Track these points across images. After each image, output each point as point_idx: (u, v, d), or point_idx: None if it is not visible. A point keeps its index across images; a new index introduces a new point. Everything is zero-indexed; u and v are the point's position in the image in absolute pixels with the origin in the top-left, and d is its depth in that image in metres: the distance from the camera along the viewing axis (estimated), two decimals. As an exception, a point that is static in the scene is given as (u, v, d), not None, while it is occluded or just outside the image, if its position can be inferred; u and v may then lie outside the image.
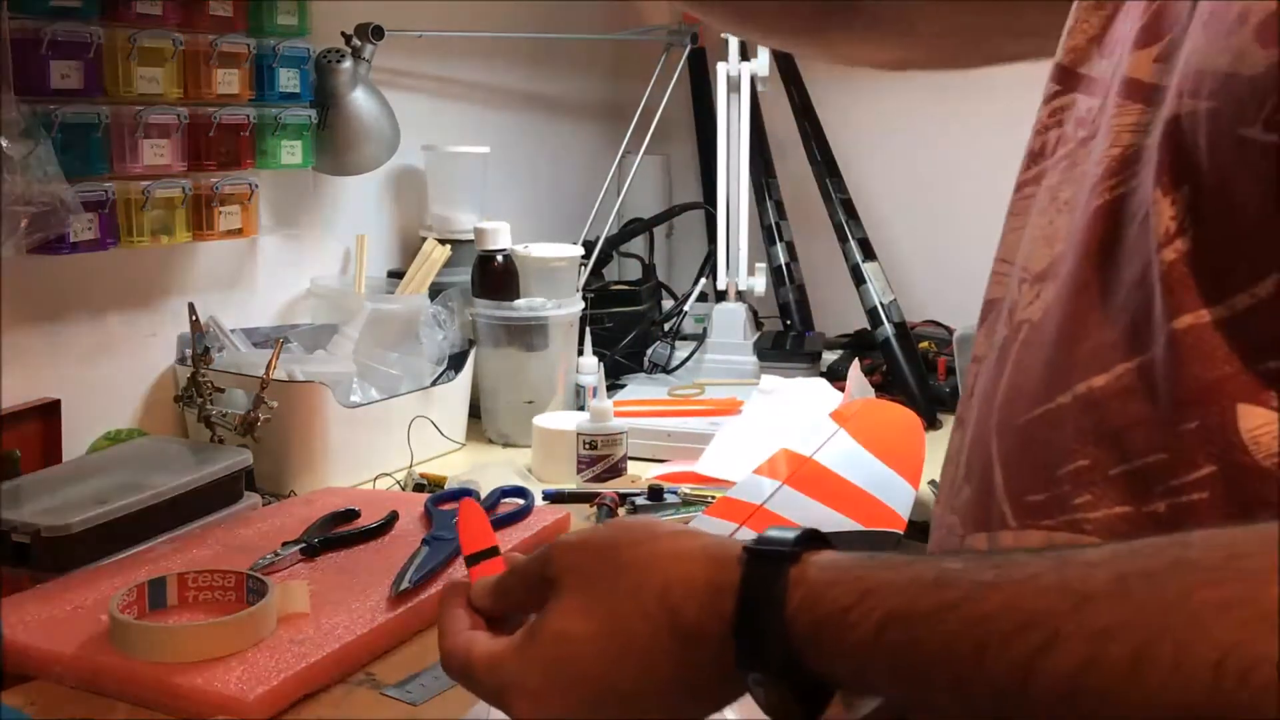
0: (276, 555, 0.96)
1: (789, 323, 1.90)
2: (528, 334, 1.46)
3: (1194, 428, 0.47)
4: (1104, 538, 0.47)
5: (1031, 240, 0.61)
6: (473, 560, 0.62)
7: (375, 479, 1.27)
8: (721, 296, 1.74)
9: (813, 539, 0.50)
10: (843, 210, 1.83)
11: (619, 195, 1.80)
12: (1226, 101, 0.46)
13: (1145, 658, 0.37)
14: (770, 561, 0.49)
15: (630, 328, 1.67)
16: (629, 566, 0.52)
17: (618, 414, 1.32)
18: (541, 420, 1.36)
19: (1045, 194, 0.62)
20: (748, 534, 1.00)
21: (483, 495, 1.10)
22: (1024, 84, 1.93)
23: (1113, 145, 0.55)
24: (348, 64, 1.41)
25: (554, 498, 1.19)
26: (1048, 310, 0.56)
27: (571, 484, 1.27)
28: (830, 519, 1.03)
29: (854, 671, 0.46)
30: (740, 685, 0.49)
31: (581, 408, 1.43)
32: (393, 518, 1.06)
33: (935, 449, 0.89)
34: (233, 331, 1.35)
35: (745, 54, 1.70)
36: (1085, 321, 0.53)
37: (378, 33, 1.44)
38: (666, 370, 1.67)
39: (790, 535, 0.50)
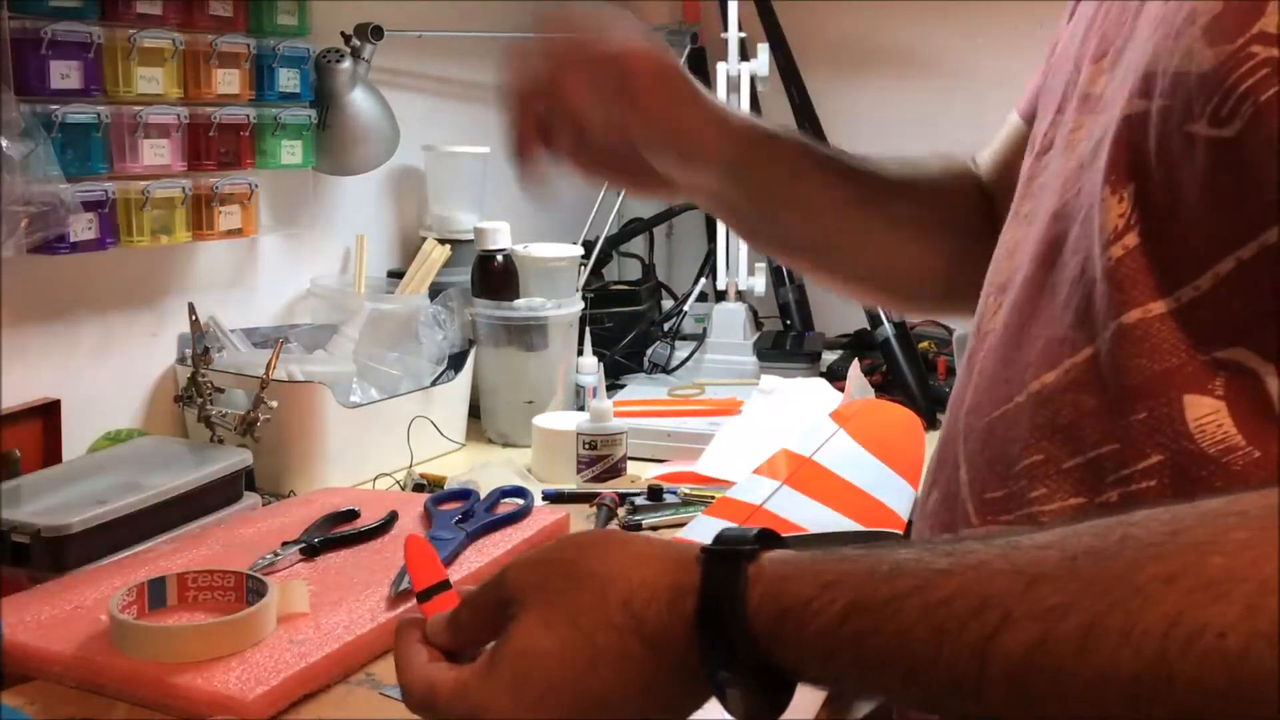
0: (276, 555, 0.96)
1: (789, 323, 1.90)
2: (528, 334, 1.46)
3: (1143, 418, 0.48)
4: None
5: (996, 257, 0.64)
6: (424, 596, 0.60)
7: (375, 479, 1.27)
8: (721, 296, 1.74)
9: (770, 538, 0.50)
10: (843, 210, 1.83)
11: (619, 195, 1.80)
12: (1175, 99, 0.47)
13: (1095, 632, 0.38)
14: (729, 560, 0.49)
15: (630, 328, 1.67)
16: (589, 577, 0.52)
17: (618, 414, 1.32)
18: (541, 420, 1.36)
19: (1012, 210, 0.65)
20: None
21: (482, 495, 1.10)
22: (1025, 83, 1.93)
23: (1068, 159, 0.56)
24: (347, 64, 1.41)
25: (554, 498, 1.19)
26: (1006, 317, 0.58)
27: (571, 484, 1.27)
28: (830, 519, 1.03)
29: (818, 662, 0.46)
30: (707, 688, 0.49)
31: (581, 408, 1.43)
32: (393, 518, 1.06)
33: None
34: (233, 331, 1.35)
35: (745, 54, 1.70)
36: (1035, 322, 0.55)
37: (377, 33, 1.44)
38: (666, 370, 1.67)
39: (748, 534, 0.50)
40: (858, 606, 0.45)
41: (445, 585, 0.60)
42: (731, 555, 0.49)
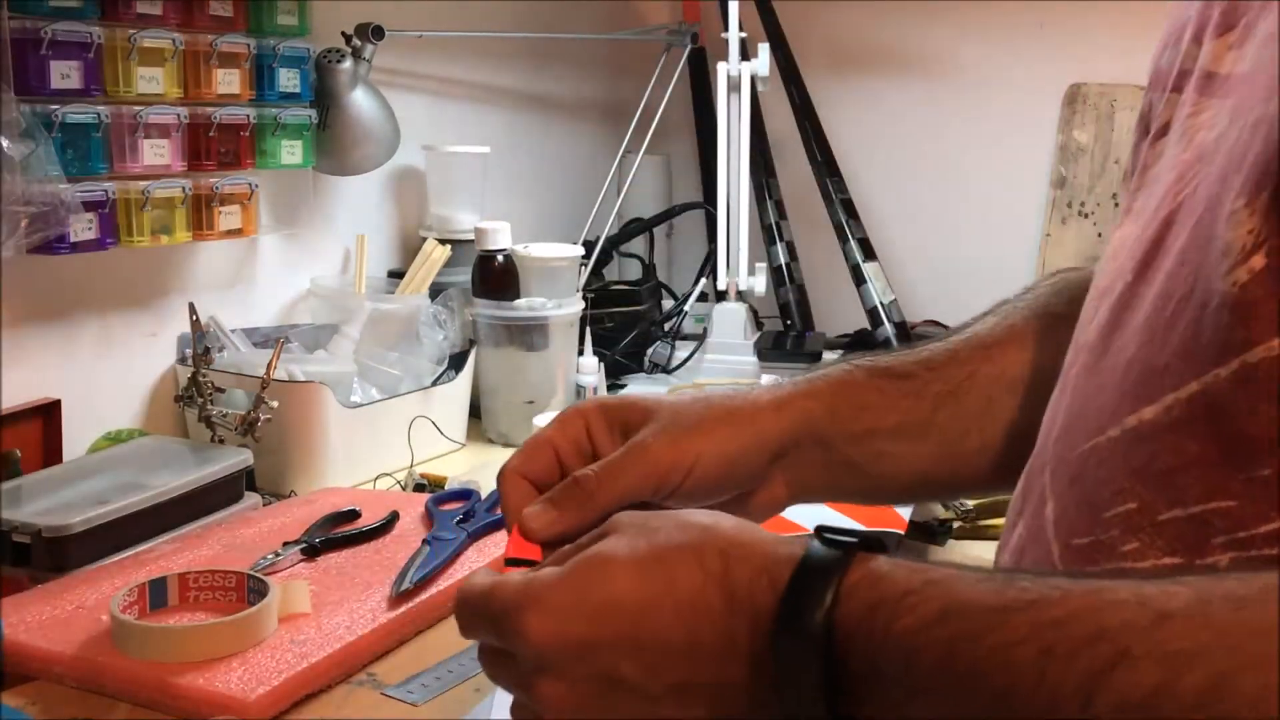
0: (277, 555, 0.96)
1: (789, 323, 1.90)
2: (528, 334, 1.46)
3: (1267, 475, 0.41)
4: None
5: (1104, 256, 0.55)
6: (512, 565, 0.58)
7: (375, 479, 1.27)
8: (722, 296, 1.74)
9: (884, 546, 0.47)
10: (843, 210, 1.83)
11: (619, 195, 1.80)
12: None
13: (1224, 689, 0.34)
14: (838, 545, 0.46)
15: (630, 328, 1.67)
16: (693, 524, 0.49)
17: (618, 414, 1.31)
18: (542, 420, 1.36)
19: (1124, 204, 0.55)
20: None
21: (483, 495, 1.10)
22: (1024, 84, 1.93)
23: (1184, 148, 0.49)
24: (348, 64, 1.41)
25: (554, 498, 1.19)
26: (1102, 331, 0.50)
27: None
28: (830, 518, 1.03)
29: (898, 667, 0.42)
30: (764, 681, 0.45)
31: (582, 408, 1.43)
32: (393, 518, 1.05)
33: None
34: (233, 331, 1.35)
35: (745, 54, 1.70)
36: (1134, 341, 0.47)
37: (378, 33, 1.44)
38: (667, 370, 1.67)
39: (838, 554, 0.46)
40: (959, 609, 0.41)
41: (536, 565, 0.58)
42: (843, 543, 0.46)
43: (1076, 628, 0.37)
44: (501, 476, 0.63)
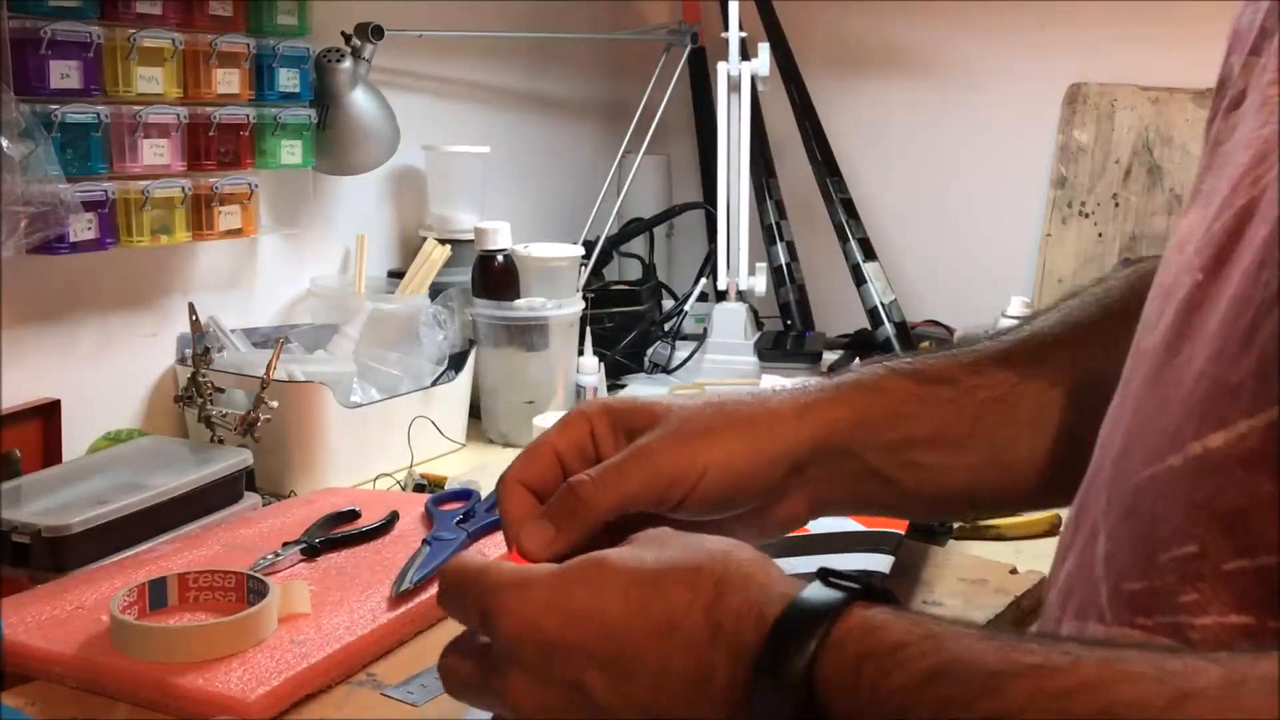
0: (277, 555, 0.96)
1: (789, 323, 1.90)
2: (528, 334, 1.46)
3: None
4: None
5: (1169, 248, 0.47)
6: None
7: (375, 479, 1.27)
8: (722, 296, 1.74)
9: (885, 595, 0.44)
10: (843, 210, 1.83)
11: (619, 195, 1.80)
12: None
13: None
14: (836, 589, 0.44)
15: (630, 328, 1.67)
16: (698, 544, 0.48)
17: (618, 414, 1.31)
18: (541, 420, 1.36)
19: (1193, 186, 0.47)
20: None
21: (483, 495, 1.10)
22: (1025, 83, 1.93)
23: (1263, 120, 0.41)
24: (348, 64, 1.41)
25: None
26: (1167, 336, 0.43)
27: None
28: (832, 518, 1.03)
29: None
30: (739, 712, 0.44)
31: (582, 408, 1.43)
32: (393, 518, 1.05)
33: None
34: (233, 331, 1.35)
35: (745, 54, 1.70)
36: (1203, 351, 0.40)
37: (378, 33, 1.44)
38: (667, 370, 1.67)
39: (834, 598, 0.44)
40: (954, 669, 0.37)
41: None
42: (842, 587, 0.44)
43: (1084, 701, 0.34)
44: (502, 486, 0.61)
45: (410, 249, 1.62)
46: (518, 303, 1.45)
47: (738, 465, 0.58)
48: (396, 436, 1.32)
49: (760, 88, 1.70)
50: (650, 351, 1.69)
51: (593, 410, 0.62)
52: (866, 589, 0.44)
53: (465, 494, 1.11)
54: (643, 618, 0.45)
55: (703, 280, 1.76)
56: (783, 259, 1.91)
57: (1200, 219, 0.44)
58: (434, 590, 0.90)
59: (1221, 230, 0.41)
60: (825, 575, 0.45)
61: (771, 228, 1.91)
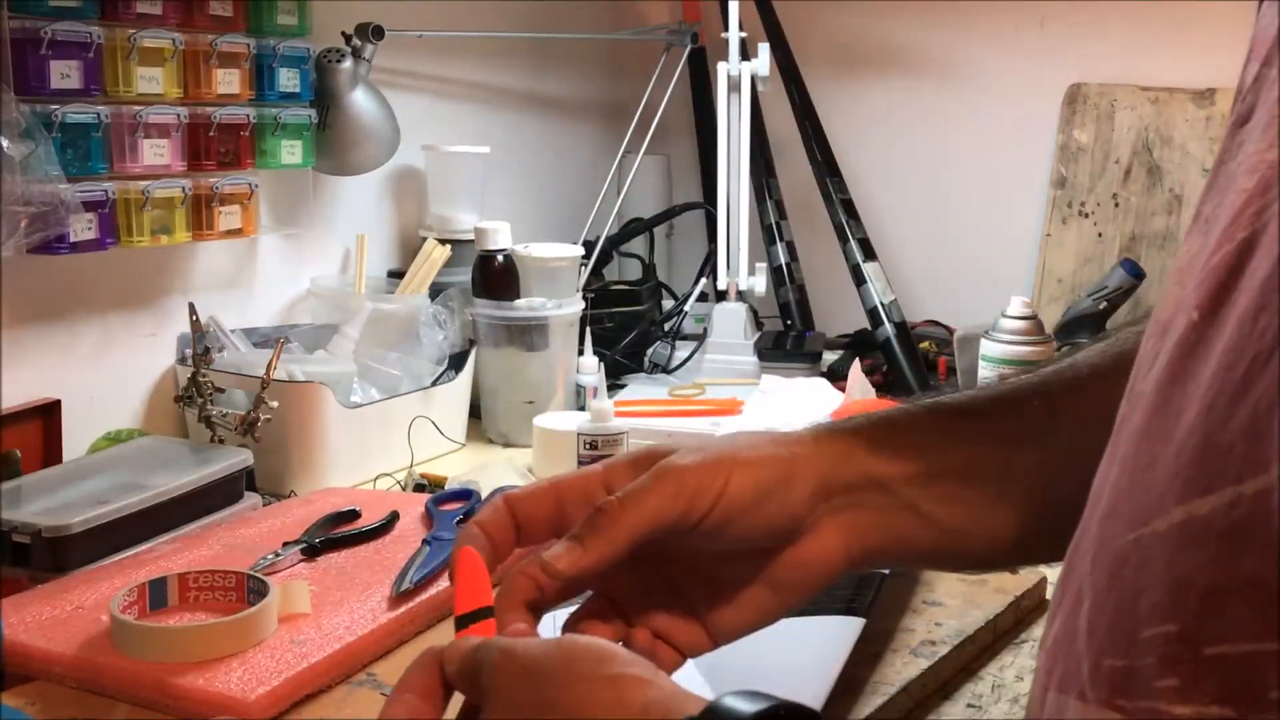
0: (277, 555, 0.96)
1: (789, 323, 1.90)
2: (528, 334, 1.46)
3: None
4: None
5: (1168, 279, 0.42)
6: (464, 622, 0.55)
7: (375, 479, 1.27)
8: (722, 296, 1.74)
9: (777, 714, 0.44)
10: (843, 210, 1.83)
11: (619, 195, 1.80)
12: None
13: None
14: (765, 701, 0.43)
15: (630, 328, 1.67)
16: (559, 706, 0.47)
17: (618, 414, 1.31)
18: (542, 420, 1.36)
19: (1196, 209, 0.42)
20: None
21: (483, 495, 1.10)
22: (1025, 83, 1.93)
23: (1272, 144, 0.37)
24: (348, 64, 1.41)
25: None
26: (1160, 379, 0.39)
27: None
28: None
29: None
30: None
31: (582, 408, 1.43)
32: (393, 518, 1.05)
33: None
34: (233, 331, 1.35)
35: (745, 54, 1.70)
36: (1192, 406, 0.36)
37: (378, 33, 1.44)
38: (667, 370, 1.67)
39: (748, 710, 0.43)
40: None
41: (488, 612, 0.55)
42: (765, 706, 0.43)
43: None
44: (490, 502, 0.60)
45: (410, 249, 1.62)
46: (518, 303, 1.45)
47: (760, 480, 0.57)
48: (396, 436, 1.32)
49: (760, 88, 1.70)
50: (650, 351, 1.69)
51: (618, 459, 0.61)
52: (776, 710, 0.43)
53: (465, 494, 1.11)
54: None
55: (703, 280, 1.76)
56: (783, 259, 1.91)
57: (1199, 249, 0.39)
58: (434, 590, 0.91)
59: (1220, 265, 0.37)
60: (712, 710, 0.44)
61: (771, 228, 1.91)
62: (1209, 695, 0.33)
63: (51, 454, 1.14)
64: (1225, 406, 0.34)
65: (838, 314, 1.93)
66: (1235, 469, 0.32)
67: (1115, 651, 0.36)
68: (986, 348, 1.42)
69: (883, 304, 1.76)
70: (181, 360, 1.30)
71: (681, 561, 0.59)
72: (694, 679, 0.70)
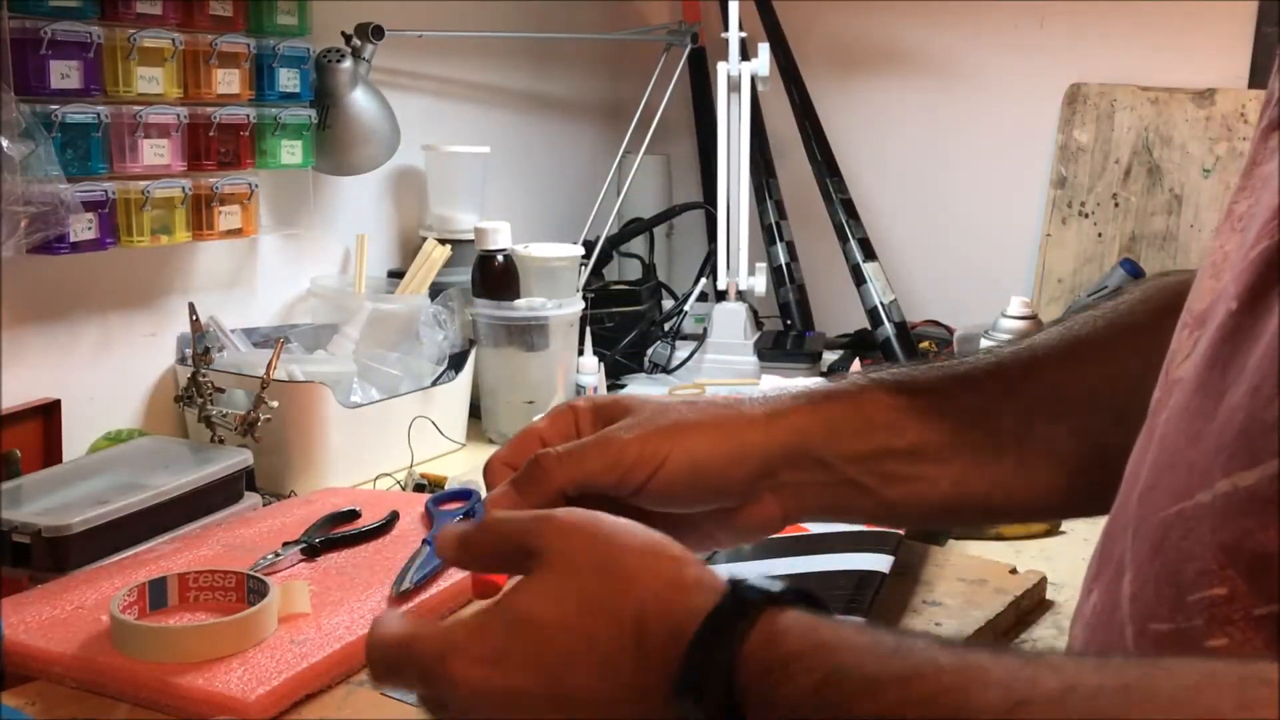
0: (277, 555, 0.96)
1: (789, 323, 1.90)
2: (528, 334, 1.46)
3: None
4: None
5: (1200, 273, 0.46)
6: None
7: (375, 479, 1.27)
8: (721, 296, 1.74)
9: (803, 598, 0.46)
10: (843, 210, 1.83)
11: (619, 195, 1.80)
12: None
13: None
14: (745, 600, 0.45)
15: (630, 328, 1.67)
16: (619, 571, 0.49)
17: (618, 414, 1.32)
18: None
19: (1227, 208, 0.46)
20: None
21: (483, 495, 1.10)
22: (1025, 83, 1.93)
23: None
24: (348, 64, 1.41)
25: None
26: (1199, 366, 0.41)
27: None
28: (831, 519, 1.03)
29: None
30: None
31: (582, 408, 1.43)
32: (393, 518, 1.05)
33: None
34: (233, 331, 1.35)
35: (745, 54, 1.70)
36: (1237, 388, 0.38)
37: (378, 33, 1.44)
38: (667, 370, 1.67)
39: (776, 587, 0.46)
40: (837, 677, 0.40)
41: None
42: (751, 598, 0.46)
43: (939, 706, 0.37)
44: (488, 468, 0.64)
45: (410, 249, 1.62)
46: (518, 303, 1.45)
47: (698, 460, 0.61)
48: (396, 436, 1.32)
49: (760, 88, 1.70)
50: (650, 351, 1.69)
51: (580, 403, 0.65)
52: (776, 594, 0.45)
53: (465, 494, 1.11)
54: (582, 658, 0.48)
55: (703, 280, 1.76)
56: (783, 259, 1.91)
57: (1237, 244, 0.42)
58: (434, 590, 0.91)
59: (1260, 259, 0.39)
60: (735, 585, 0.47)
61: (771, 228, 1.91)
62: (1260, 653, 0.35)
63: (51, 454, 1.14)
64: (1272, 388, 0.36)
65: (838, 314, 1.93)
66: (1278, 444, 0.35)
67: (1162, 616, 0.39)
68: (986, 348, 1.42)
69: (883, 304, 1.76)
70: (181, 360, 1.30)
71: (618, 504, 0.62)
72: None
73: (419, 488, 1.25)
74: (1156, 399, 0.45)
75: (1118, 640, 0.42)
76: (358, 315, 1.42)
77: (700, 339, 1.69)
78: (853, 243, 1.80)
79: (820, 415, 0.63)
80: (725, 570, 0.88)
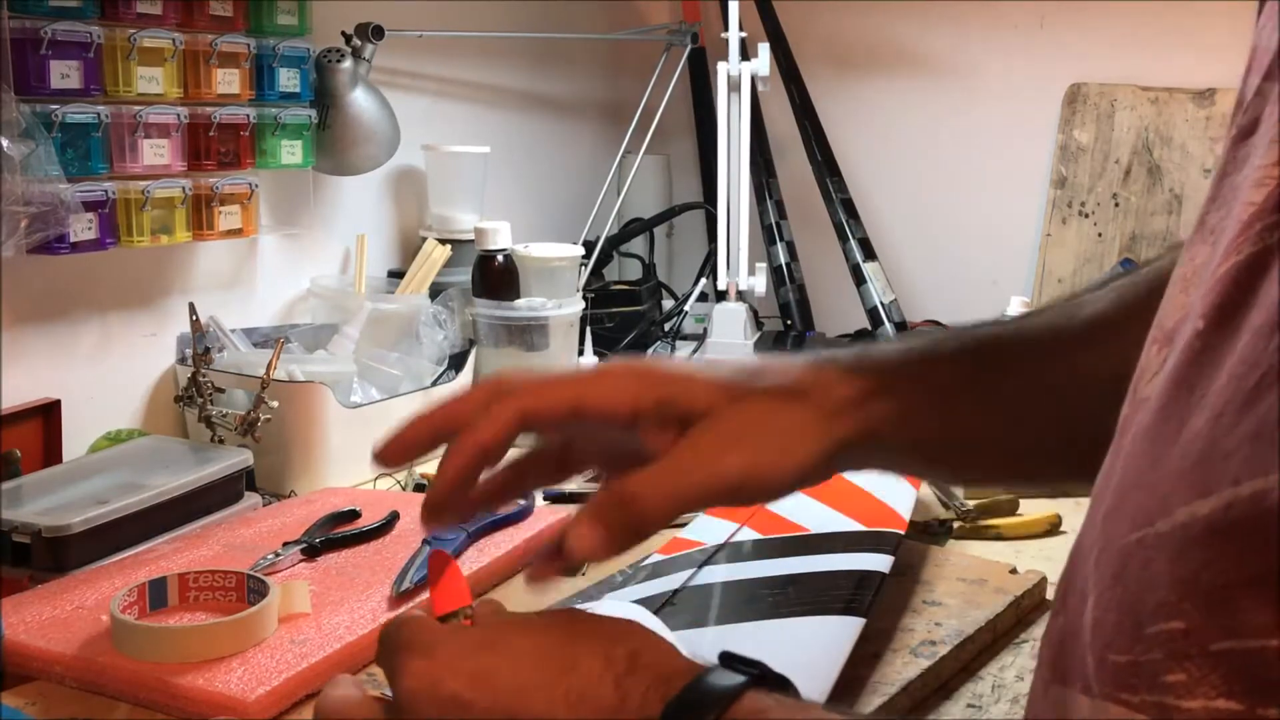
0: (277, 555, 0.96)
1: (789, 323, 1.90)
2: (528, 334, 1.46)
3: None
4: None
5: (1170, 285, 0.43)
6: (444, 622, 0.56)
7: (375, 479, 1.27)
8: (722, 296, 1.74)
9: (774, 679, 0.47)
10: (843, 210, 1.83)
11: (619, 195, 1.80)
12: None
13: None
14: (738, 672, 0.47)
15: (630, 328, 1.67)
16: (613, 620, 0.50)
17: (618, 414, 1.32)
18: (542, 420, 1.36)
19: (1199, 218, 0.43)
20: (750, 534, 1.00)
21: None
22: (1025, 83, 1.93)
23: (1278, 161, 0.37)
24: (348, 64, 1.41)
25: (555, 498, 1.19)
26: (1165, 385, 0.40)
27: (572, 484, 1.26)
28: (831, 518, 1.03)
29: None
30: None
31: (582, 408, 1.43)
32: (393, 518, 1.05)
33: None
34: (233, 331, 1.35)
35: (745, 54, 1.70)
36: (1199, 413, 0.36)
37: (378, 33, 1.44)
38: (667, 370, 1.66)
39: (733, 682, 0.46)
40: None
41: (468, 611, 0.56)
42: (742, 671, 0.47)
43: None
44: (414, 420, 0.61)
45: (410, 249, 1.62)
46: (518, 303, 1.45)
47: (761, 463, 0.59)
48: (396, 436, 1.31)
49: (760, 88, 1.70)
50: (650, 351, 1.69)
51: (644, 391, 0.60)
52: (763, 676, 0.46)
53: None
54: (552, 687, 0.47)
55: (703, 280, 1.76)
56: (783, 259, 1.91)
57: (1205, 258, 0.40)
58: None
59: (1227, 277, 0.37)
60: (727, 659, 0.47)
61: (771, 228, 1.91)
62: (1216, 690, 0.33)
63: (51, 454, 1.14)
64: (1233, 414, 0.34)
65: (838, 314, 1.93)
66: (1234, 473, 0.33)
67: (1121, 647, 0.37)
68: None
69: (883, 304, 1.76)
70: (181, 360, 1.30)
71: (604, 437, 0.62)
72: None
73: (419, 488, 1.25)
74: (1125, 415, 0.43)
75: (1079, 669, 0.40)
76: (358, 315, 1.42)
77: (700, 339, 1.69)
78: (853, 243, 1.80)
79: (898, 402, 0.60)
80: (723, 573, 0.89)
